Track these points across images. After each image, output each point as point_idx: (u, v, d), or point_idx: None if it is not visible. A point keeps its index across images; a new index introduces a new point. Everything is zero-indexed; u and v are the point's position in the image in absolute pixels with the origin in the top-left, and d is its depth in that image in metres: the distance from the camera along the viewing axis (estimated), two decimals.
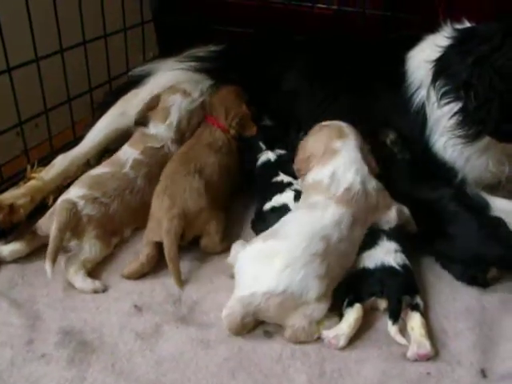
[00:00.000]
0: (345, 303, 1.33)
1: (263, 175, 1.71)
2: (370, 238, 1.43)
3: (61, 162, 1.75)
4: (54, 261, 1.41)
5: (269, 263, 1.28)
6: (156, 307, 1.38)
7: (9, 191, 1.66)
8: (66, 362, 1.22)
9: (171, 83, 1.87)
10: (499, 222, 1.51)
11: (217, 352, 1.25)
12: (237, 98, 1.85)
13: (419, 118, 1.68)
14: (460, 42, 1.62)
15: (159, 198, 1.55)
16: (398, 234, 1.45)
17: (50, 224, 1.47)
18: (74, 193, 1.54)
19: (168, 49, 2.39)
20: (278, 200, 1.58)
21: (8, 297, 1.40)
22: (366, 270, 1.39)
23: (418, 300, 1.35)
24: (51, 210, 1.55)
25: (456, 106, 1.57)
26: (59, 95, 1.92)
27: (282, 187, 1.62)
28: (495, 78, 1.45)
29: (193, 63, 1.96)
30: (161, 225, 1.48)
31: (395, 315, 1.29)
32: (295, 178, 1.63)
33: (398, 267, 1.37)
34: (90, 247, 1.49)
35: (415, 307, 1.33)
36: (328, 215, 1.37)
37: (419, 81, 1.70)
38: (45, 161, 1.84)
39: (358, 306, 1.32)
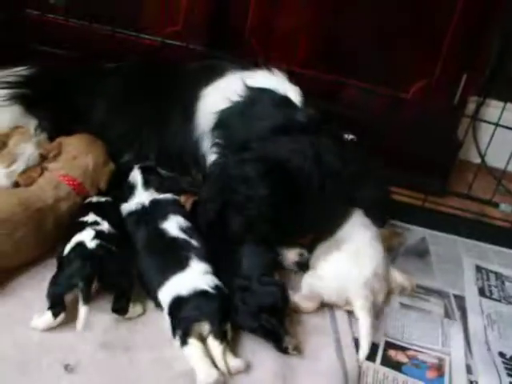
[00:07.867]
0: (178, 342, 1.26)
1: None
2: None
3: None
4: None
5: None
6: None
7: None
8: None
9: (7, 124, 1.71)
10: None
11: None
12: (104, 154, 1.72)
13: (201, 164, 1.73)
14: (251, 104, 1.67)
15: None
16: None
17: None
18: None
19: None
20: (75, 239, 1.43)
21: None
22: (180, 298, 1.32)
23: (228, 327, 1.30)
24: None
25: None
26: None
27: (83, 226, 1.49)
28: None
29: (4, 90, 1.77)
30: None
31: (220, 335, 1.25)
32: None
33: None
34: None
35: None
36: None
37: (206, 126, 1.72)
38: None
39: (191, 342, 1.24)
